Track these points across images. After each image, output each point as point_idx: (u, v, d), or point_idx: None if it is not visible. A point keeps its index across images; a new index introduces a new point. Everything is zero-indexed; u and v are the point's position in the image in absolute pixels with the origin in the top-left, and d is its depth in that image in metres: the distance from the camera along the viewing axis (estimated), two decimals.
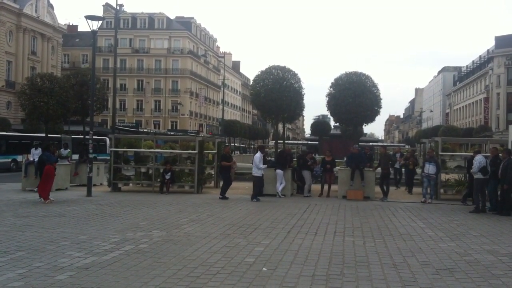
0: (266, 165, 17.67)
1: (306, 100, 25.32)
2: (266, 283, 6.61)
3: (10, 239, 9.20)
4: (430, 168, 16.73)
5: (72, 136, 40.13)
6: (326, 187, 18.50)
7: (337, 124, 32.45)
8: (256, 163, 17.24)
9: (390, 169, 19.69)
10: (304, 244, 9.21)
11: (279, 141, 30.57)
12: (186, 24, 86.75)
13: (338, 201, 16.71)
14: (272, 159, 21.25)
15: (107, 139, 40.80)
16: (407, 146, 59.69)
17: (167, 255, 8.13)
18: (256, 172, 17.15)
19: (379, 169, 18.43)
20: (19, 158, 34.27)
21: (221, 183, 18.05)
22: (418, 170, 21.77)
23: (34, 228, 10.42)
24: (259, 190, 17.14)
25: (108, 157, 21.31)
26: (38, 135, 36.78)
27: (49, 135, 28.89)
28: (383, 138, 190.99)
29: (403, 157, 21.40)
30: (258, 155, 17.52)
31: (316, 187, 18.95)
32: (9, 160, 35.28)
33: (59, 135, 39.11)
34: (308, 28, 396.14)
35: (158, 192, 18.46)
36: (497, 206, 14.13)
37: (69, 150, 22.18)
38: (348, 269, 7.42)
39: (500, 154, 14.50)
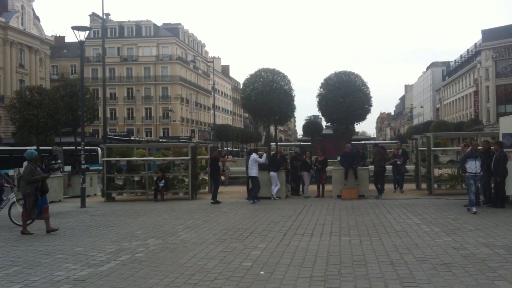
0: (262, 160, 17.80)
1: (297, 102, 25.28)
2: (264, 286, 6.61)
3: (5, 254, 9.13)
4: (477, 166, 13.19)
5: (64, 148, 39.87)
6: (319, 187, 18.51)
7: (329, 124, 32.47)
8: (252, 163, 17.26)
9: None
10: (301, 245, 9.21)
11: (271, 143, 30.60)
12: (173, 31, 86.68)
13: (333, 201, 16.72)
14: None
15: (99, 149, 40.59)
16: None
17: (164, 263, 8.10)
18: (252, 173, 17.19)
19: (371, 167, 18.45)
20: (11, 172, 34.05)
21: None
22: (411, 167, 21.82)
23: (28, 242, 10.35)
24: (258, 190, 17.15)
25: (101, 167, 21.19)
26: (29, 148, 36.55)
27: (40, 148, 28.71)
28: (375, 136, 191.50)
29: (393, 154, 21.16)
30: (254, 156, 17.56)
31: (311, 188, 18.93)
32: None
33: (50, 147, 38.86)
34: (295, 29, 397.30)
35: (153, 200, 18.39)
36: (491, 199, 14.19)
37: (60, 161, 22.05)
38: (345, 268, 7.43)
39: (492, 147, 14.57)
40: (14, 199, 12.91)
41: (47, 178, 12.18)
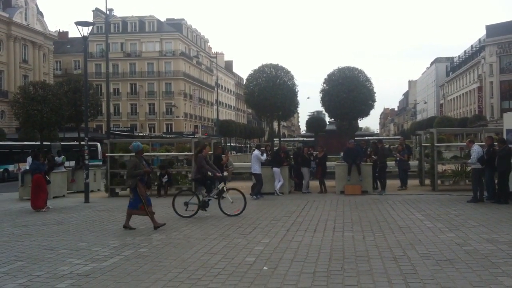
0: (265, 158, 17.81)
1: (300, 97, 25.36)
2: (268, 282, 6.61)
3: (9, 249, 9.16)
4: None
5: (62, 143, 39.74)
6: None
7: (332, 119, 32.44)
8: (254, 160, 17.32)
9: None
10: (304, 241, 9.22)
11: (274, 139, 30.61)
12: (177, 26, 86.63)
13: (336, 197, 16.72)
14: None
15: (99, 144, 40.56)
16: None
17: (167, 258, 8.11)
18: (255, 170, 17.23)
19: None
20: (11, 167, 34.09)
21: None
22: (414, 163, 21.77)
23: (33, 237, 10.38)
24: (260, 187, 17.18)
25: (100, 163, 21.18)
26: (29, 143, 36.55)
27: (39, 143, 28.76)
28: (378, 132, 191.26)
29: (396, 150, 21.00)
30: (256, 152, 17.60)
31: (314, 184, 18.92)
32: (1, 170, 34.98)
33: (49, 143, 38.79)
34: (299, 25, 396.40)
35: (156, 196, 18.41)
36: (495, 195, 14.16)
37: (63, 156, 22.15)
38: (348, 264, 7.43)
39: (495, 143, 14.54)
40: (224, 188, 12.70)
41: (151, 172, 11.77)
